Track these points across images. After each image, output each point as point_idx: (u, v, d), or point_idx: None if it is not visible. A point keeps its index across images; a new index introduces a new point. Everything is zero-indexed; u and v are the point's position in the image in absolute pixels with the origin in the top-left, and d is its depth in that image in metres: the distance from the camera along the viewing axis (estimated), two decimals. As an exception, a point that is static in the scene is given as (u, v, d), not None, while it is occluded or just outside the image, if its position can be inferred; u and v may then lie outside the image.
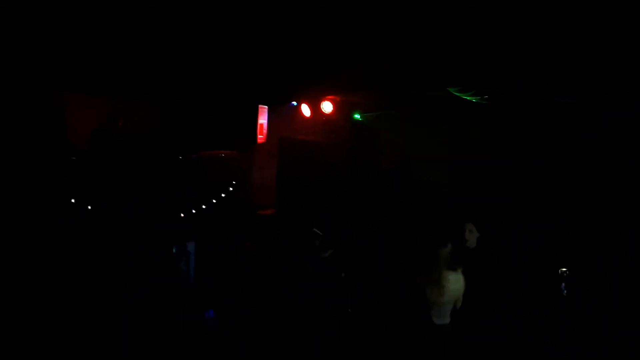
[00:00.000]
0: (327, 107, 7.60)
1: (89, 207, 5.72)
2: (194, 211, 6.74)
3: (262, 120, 7.65)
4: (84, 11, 4.66)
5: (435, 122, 6.21)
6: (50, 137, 5.25)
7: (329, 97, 7.52)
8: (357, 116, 7.27)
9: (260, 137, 7.68)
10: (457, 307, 4.28)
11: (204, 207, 6.84)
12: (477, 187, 5.68)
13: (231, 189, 7.09)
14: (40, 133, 5.14)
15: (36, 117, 5.12)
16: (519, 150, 5.74)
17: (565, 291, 4.11)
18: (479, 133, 5.89)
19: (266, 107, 7.56)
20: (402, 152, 6.71)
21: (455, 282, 4.22)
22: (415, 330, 4.23)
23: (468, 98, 5.31)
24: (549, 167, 5.51)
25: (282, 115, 7.86)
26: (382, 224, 6.03)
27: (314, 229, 5.50)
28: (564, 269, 4.15)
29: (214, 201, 6.94)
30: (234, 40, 6.46)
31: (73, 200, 5.65)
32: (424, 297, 4.23)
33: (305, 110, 7.75)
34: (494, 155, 5.86)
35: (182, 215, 6.59)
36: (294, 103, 7.89)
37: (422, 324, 4.20)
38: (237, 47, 6.58)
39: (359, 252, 5.41)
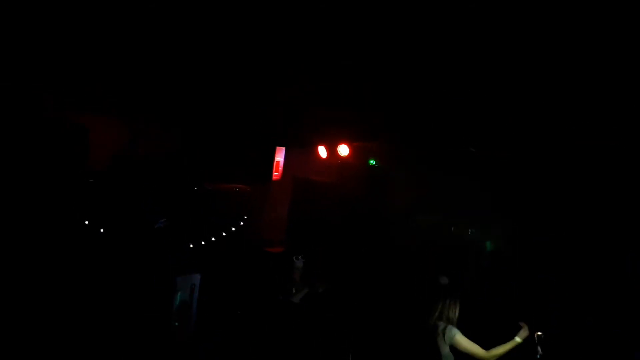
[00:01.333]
0: (343, 150, 7.69)
1: (101, 230, 5.81)
2: (203, 243, 6.78)
3: (279, 158, 7.76)
4: (110, 32, 4.86)
5: (447, 176, 6.28)
6: (71, 160, 5.39)
7: (346, 141, 7.64)
8: (372, 162, 7.34)
9: (276, 175, 7.78)
10: None
11: (213, 239, 6.88)
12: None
13: (242, 223, 7.14)
14: (61, 156, 5.28)
15: (59, 140, 5.28)
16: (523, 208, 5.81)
17: (540, 354, 4.07)
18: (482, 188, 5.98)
19: (284, 147, 7.71)
20: (411, 202, 6.76)
21: (444, 335, 4.18)
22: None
23: None
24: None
25: (299, 154, 7.97)
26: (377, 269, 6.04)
27: (294, 258, 5.52)
28: (539, 333, 4.12)
29: (224, 234, 6.99)
30: (261, 79, 6.66)
31: (87, 222, 5.74)
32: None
33: (322, 151, 7.86)
34: (495, 211, 5.92)
35: (190, 246, 6.64)
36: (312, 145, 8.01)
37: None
38: (261, 85, 6.78)
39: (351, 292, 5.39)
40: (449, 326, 4.25)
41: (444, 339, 4.21)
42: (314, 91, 6.87)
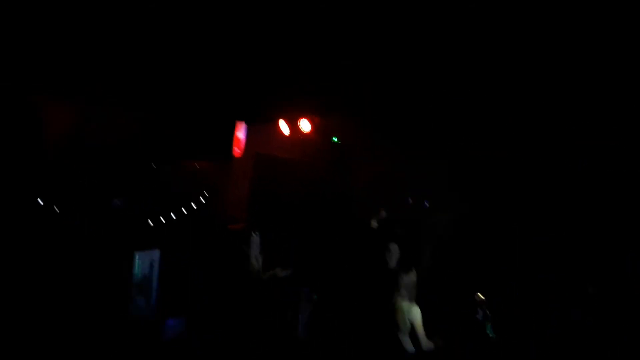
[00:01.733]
0: (305, 126, 7.67)
1: (57, 210, 5.62)
2: (163, 220, 6.66)
3: (240, 133, 7.66)
4: (62, 13, 4.64)
5: (409, 154, 6.39)
6: (24, 141, 5.16)
7: (308, 116, 7.61)
8: (335, 139, 7.36)
9: (237, 151, 7.68)
10: (419, 335, 4.28)
11: (174, 217, 6.78)
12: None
13: (203, 200, 7.05)
14: (15, 137, 5.06)
15: (11, 122, 5.04)
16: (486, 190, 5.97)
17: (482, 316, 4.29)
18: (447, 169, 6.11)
19: (244, 121, 7.59)
20: (373, 178, 6.84)
21: (407, 313, 4.26)
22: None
23: None
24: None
25: (261, 130, 7.88)
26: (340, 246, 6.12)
27: (253, 232, 5.54)
28: (480, 296, 4.33)
29: (185, 212, 6.89)
30: (218, 54, 6.51)
31: (41, 202, 5.53)
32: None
33: (284, 127, 7.80)
34: (459, 190, 6.07)
35: (150, 223, 6.51)
36: (274, 120, 7.93)
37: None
38: (220, 60, 6.63)
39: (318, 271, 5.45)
40: (413, 305, 4.32)
41: (407, 317, 4.27)
42: (275, 66, 6.79)
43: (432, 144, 6.19)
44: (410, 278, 4.30)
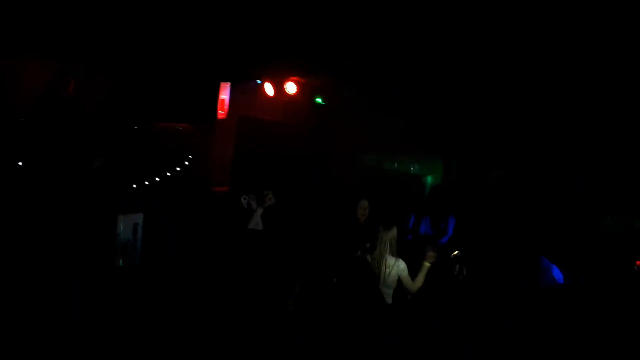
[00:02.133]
0: (290, 87, 7.55)
1: (36, 170, 5.55)
2: (146, 183, 6.62)
3: (224, 95, 7.55)
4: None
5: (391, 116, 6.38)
6: None
7: (293, 77, 7.49)
8: (318, 100, 7.27)
9: (221, 113, 7.59)
10: (409, 295, 4.36)
11: (157, 179, 6.74)
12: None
13: (186, 163, 7.00)
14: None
15: None
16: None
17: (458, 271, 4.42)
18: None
19: (229, 82, 7.47)
20: (356, 139, 6.84)
21: (394, 268, 4.31)
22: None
23: None
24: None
25: (245, 92, 7.77)
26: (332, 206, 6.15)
27: (242, 198, 5.50)
28: (456, 252, 4.45)
29: (168, 174, 6.84)
30: (201, 12, 6.34)
31: (20, 163, 5.46)
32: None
33: (269, 89, 7.68)
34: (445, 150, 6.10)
35: (134, 186, 6.47)
36: (259, 81, 7.80)
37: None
38: (204, 18, 6.45)
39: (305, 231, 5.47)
40: (399, 260, 4.38)
41: (395, 271, 4.33)
42: (261, 26, 6.63)
43: (415, 107, 6.19)
44: (392, 233, 4.37)
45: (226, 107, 7.46)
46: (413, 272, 4.35)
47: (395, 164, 7.46)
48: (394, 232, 4.39)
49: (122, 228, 5.56)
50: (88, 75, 6.38)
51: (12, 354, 3.51)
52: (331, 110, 7.18)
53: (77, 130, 5.94)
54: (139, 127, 6.76)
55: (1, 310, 3.85)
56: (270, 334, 3.72)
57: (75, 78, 5.98)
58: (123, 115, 6.75)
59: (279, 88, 7.57)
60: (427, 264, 4.39)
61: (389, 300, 4.33)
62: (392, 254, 4.37)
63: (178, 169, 6.95)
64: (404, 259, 4.32)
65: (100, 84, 6.69)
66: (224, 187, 7.32)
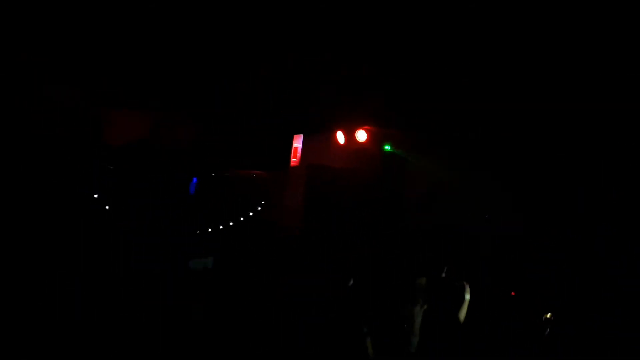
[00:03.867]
0: (361, 135, 7.69)
1: (120, 212, 6.06)
2: (221, 227, 6.96)
3: (297, 144, 7.84)
4: (126, 29, 5.09)
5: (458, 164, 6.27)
6: (86, 147, 5.67)
7: (365, 126, 7.63)
8: (387, 147, 7.31)
9: (294, 161, 7.87)
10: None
11: (231, 224, 7.05)
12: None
13: (259, 208, 7.28)
14: (76, 143, 5.57)
15: (72, 130, 5.57)
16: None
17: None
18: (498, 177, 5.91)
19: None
20: (426, 186, 6.72)
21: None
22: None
23: None
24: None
25: (317, 140, 8.02)
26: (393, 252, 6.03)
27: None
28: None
29: (242, 219, 7.15)
30: (280, 72, 6.76)
31: (107, 208, 6.01)
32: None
33: (340, 137, 7.87)
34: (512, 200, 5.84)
35: (209, 230, 6.83)
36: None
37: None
38: (282, 75, 6.87)
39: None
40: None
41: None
42: (331, 79, 6.92)
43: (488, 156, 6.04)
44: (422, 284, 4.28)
45: (299, 155, 7.73)
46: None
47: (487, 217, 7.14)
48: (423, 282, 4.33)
49: (194, 270, 5.83)
50: (175, 125, 6.98)
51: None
52: (401, 158, 7.19)
53: (163, 176, 6.49)
54: (217, 174, 7.19)
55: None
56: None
57: (165, 127, 6.60)
58: (204, 162, 7.23)
59: (349, 136, 7.74)
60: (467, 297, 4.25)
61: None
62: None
63: (251, 214, 7.24)
64: None
65: (186, 133, 7.28)
66: (296, 232, 7.48)
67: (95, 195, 5.46)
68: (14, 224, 4.80)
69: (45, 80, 5.16)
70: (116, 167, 6.10)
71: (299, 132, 7.86)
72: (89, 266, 4.82)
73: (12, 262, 4.60)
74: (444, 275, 4.20)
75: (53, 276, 4.71)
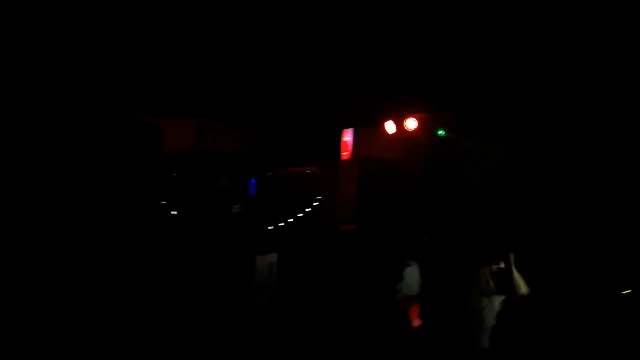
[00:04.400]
0: (411, 123, 7.64)
1: (176, 213, 6.35)
2: (280, 224, 7.15)
3: (347, 137, 7.90)
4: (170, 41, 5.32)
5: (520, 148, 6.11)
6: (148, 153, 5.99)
7: (415, 114, 7.57)
8: (441, 132, 7.22)
9: (345, 154, 7.93)
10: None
11: (290, 220, 7.23)
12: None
13: (315, 203, 7.41)
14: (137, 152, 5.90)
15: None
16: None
17: None
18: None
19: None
20: (482, 172, 6.60)
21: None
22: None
23: None
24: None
25: (367, 131, 8.03)
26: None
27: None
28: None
29: (299, 215, 7.30)
30: (326, 68, 6.82)
31: (164, 203, 6.30)
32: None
33: (390, 127, 7.85)
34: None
35: (269, 228, 7.03)
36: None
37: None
38: (328, 74, 6.94)
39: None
40: None
41: None
42: (376, 70, 6.91)
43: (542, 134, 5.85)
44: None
45: (349, 148, 7.78)
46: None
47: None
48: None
49: (259, 267, 6.06)
50: (227, 129, 7.21)
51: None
52: (453, 142, 7.08)
53: (222, 178, 6.75)
54: (272, 173, 7.37)
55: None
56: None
57: (214, 132, 6.85)
58: (258, 162, 7.43)
59: (400, 125, 7.70)
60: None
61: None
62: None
63: (308, 209, 7.39)
64: None
65: (238, 136, 7.51)
66: (352, 225, 7.55)
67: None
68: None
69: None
70: (178, 174, 6.39)
71: (348, 127, 7.90)
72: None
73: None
74: (504, 265, 4.16)
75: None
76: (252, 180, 6.84)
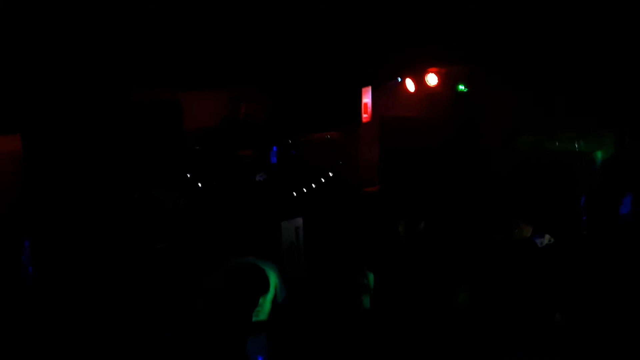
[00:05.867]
0: (431, 79, 7.48)
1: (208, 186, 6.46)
2: (304, 190, 7.19)
3: (366, 99, 7.79)
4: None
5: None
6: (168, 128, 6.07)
7: (434, 69, 7.40)
8: (461, 87, 7.06)
9: (365, 116, 7.84)
10: None
11: (313, 186, 7.26)
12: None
13: (338, 168, 7.41)
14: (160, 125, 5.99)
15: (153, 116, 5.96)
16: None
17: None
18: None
19: (370, 86, 7.69)
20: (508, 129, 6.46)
21: None
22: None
23: None
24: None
25: (387, 91, 7.91)
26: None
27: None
28: None
29: (323, 180, 7.32)
30: (337, 20, 6.66)
31: (188, 175, 6.41)
32: None
33: (410, 85, 7.71)
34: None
35: (294, 194, 7.08)
36: (399, 79, 7.88)
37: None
38: (340, 26, 6.77)
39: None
40: None
41: None
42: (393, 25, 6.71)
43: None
44: None
45: (369, 110, 7.68)
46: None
47: (557, 143, 6.83)
48: None
49: (285, 232, 6.17)
50: (251, 98, 7.23)
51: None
52: (476, 98, 6.92)
53: (245, 147, 6.81)
54: (293, 140, 7.36)
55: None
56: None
57: (244, 102, 6.89)
58: (279, 130, 7.43)
59: (419, 82, 7.56)
60: None
61: None
62: None
63: (331, 174, 7.39)
64: None
65: (260, 105, 7.51)
66: (375, 187, 7.55)
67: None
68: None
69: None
70: (202, 148, 6.48)
71: (366, 85, 7.75)
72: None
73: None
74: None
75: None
76: (274, 148, 6.87)
